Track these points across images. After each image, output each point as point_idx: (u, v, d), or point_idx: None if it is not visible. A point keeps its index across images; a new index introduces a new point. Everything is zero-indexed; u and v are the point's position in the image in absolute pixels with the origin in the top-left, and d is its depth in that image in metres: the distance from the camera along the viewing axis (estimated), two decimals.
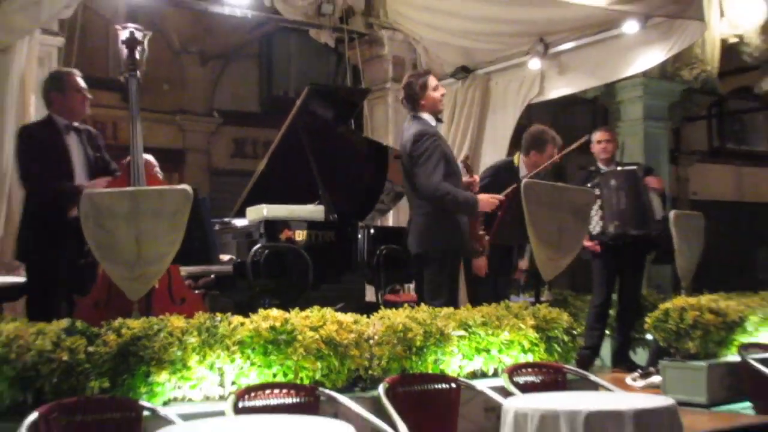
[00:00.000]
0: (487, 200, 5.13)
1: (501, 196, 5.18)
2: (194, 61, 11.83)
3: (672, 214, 6.30)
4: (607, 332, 6.64)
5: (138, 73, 4.78)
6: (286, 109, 6.08)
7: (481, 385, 3.92)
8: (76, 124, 4.91)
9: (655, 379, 5.69)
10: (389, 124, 8.20)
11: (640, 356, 6.67)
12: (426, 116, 5.21)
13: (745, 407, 5.09)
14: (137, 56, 4.81)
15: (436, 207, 5.08)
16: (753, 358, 5.02)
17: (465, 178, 5.29)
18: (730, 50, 8.98)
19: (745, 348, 5.32)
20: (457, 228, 5.11)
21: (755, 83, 10.87)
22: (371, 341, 3.87)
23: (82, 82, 4.92)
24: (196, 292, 5.02)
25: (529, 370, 4.19)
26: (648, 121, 9.24)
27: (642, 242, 6.37)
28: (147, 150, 5.12)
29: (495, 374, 4.24)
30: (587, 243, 6.08)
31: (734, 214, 13.03)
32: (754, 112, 12.81)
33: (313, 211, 5.67)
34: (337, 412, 3.46)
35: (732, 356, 5.41)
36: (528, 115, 8.43)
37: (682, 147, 12.86)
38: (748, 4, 9.15)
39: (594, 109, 10.13)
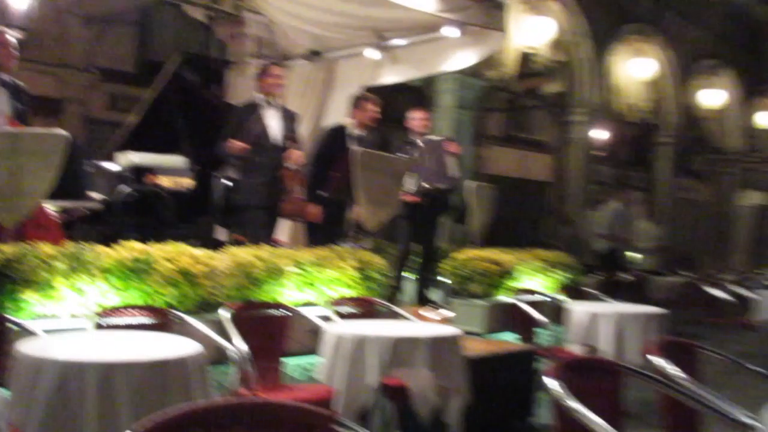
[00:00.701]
0: (229, 145, 5.13)
1: (243, 144, 5.13)
2: (78, 21, 11.00)
3: (472, 184, 6.55)
4: (412, 275, 6.82)
5: None
6: (159, 71, 5.82)
7: (309, 312, 3.95)
8: (5, 78, 4.44)
9: (447, 313, 5.94)
10: (247, 93, 7.98)
11: (435, 295, 6.90)
12: (256, 95, 5.28)
13: (512, 337, 5.40)
14: None
15: (240, 166, 5.21)
16: (520, 299, 5.34)
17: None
18: (525, 58, 9.39)
19: (516, 292, 5.64)
20: (249, 185, 5.18)
21: (540, 86, 11.44)
22: (220, 273, 3.80)
23: (10, 39, 4.43)
24: (62, 222, 4.69)
25: (349, 302, 4.26)
26: (458, 109, 9.49)
27: (441, 204, 6.54)
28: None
29: (322, 305, 4.28)
30: (410, 198, 6.18)
31: (520, 188, 13.69)
32: (538, 108, 13.47)
33: (177, 160, 5.50)
34: (186, 331, 3.38)
35: (504, 297, 5.71)
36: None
37: (482, 132, 13.31)
38: (541, 23, 9.61)
39: (417, 95, 10.29)
